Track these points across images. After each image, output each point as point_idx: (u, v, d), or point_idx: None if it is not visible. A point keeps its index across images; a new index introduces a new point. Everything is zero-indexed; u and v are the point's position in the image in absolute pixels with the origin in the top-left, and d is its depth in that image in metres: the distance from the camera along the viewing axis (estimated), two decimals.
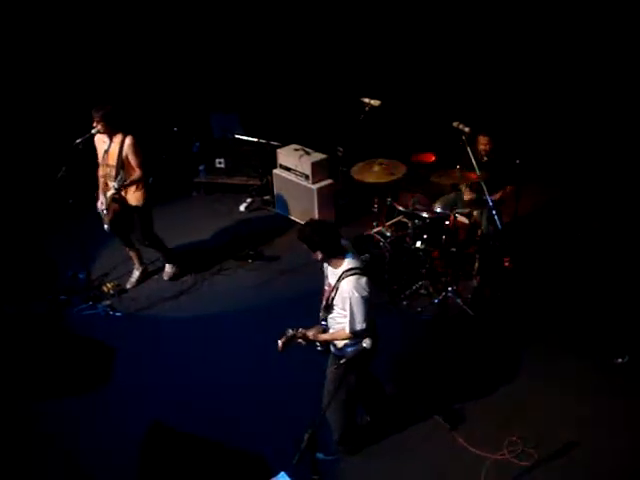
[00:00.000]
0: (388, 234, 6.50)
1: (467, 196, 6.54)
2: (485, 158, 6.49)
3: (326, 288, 4.45)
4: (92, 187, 6.46)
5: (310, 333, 4.40)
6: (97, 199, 6.35)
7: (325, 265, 4.44)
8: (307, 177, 7.72)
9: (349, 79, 9.08)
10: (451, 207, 6.37)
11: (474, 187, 6.48)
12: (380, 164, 6.47)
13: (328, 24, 9.37)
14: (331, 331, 4.45)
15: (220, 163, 8.49)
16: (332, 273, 4.36)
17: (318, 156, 7.78)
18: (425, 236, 6.35)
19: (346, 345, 4.39)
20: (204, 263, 7.19)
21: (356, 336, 4.24)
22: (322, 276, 4.55)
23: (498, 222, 6.06)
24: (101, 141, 6.22)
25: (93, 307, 6.52)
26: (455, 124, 6.17)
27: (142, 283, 6.91)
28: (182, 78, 9.47)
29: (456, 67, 9.09)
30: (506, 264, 6.70)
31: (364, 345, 3.99)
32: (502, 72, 8.87)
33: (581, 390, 5.35)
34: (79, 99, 7.82)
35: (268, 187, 8.33)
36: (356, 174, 6.52)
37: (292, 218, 8.03)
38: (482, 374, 5.60)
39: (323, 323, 4.47)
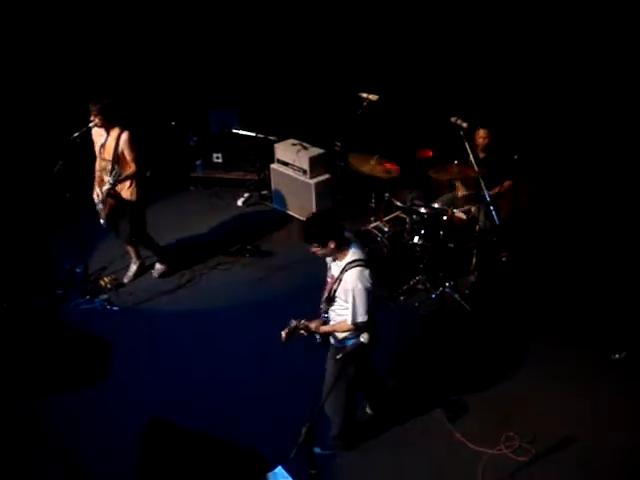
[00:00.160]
0: (386, 229, 6.49)
1: (461, 192, 6.54)
2: (483, 153, 6.49)
3: (328, 280, 4.44)
4: (89, 181, 6.46)
5: (312, 325, 4.42)
6: (93, 190, 6.36)
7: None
8: (305, 172, 7.71)
9: (347, 74, 9.06)
10: (449, 207, 6.37)
11: (469, 183, 6.49)
12: (378, 162, 6.53)
13: (326, 19, 9.35)
14: (332, 323, 4.45)
15: (218, 158, 8.48)
16: (335, 265, 4.35)
17: (316, 151, 7.78)
18: (423, 231, 6.35)
19: (346, 337, 4.39)
20: (201, 257, 7.18)
21: (357, 328, 4.24)
22: (320, 270, 4.54)
23: (496, 218, 6.07)
24: (98, 135, 6.23)
25: (90, 301, 6.51)
26: (453, 119, 6.15)
27: (139, 277, 6.89)
28: (180, 73, 9.45)
29: (454, 62, 9.07)
30: (503, 259, 6.70)
31: (362, 340, 3.99)
32: (500, 67, 8.84)
33: (580, 386, 5.36)
34: (77, 93, 7.79)
35: (265, 182, 8.32)
36: (353, 160, 6.61)
37: (290, 213, 8.02)
38: (480, 370, 5.59)
39: (324, 315, 4.47)
